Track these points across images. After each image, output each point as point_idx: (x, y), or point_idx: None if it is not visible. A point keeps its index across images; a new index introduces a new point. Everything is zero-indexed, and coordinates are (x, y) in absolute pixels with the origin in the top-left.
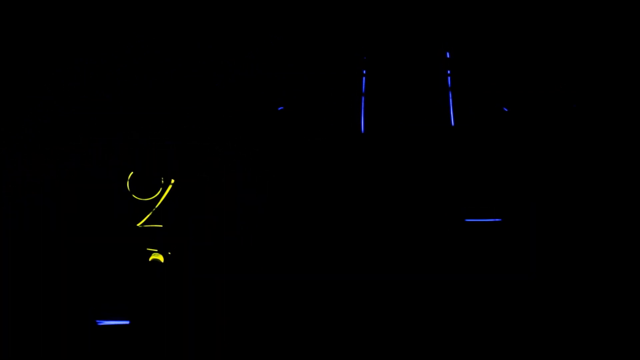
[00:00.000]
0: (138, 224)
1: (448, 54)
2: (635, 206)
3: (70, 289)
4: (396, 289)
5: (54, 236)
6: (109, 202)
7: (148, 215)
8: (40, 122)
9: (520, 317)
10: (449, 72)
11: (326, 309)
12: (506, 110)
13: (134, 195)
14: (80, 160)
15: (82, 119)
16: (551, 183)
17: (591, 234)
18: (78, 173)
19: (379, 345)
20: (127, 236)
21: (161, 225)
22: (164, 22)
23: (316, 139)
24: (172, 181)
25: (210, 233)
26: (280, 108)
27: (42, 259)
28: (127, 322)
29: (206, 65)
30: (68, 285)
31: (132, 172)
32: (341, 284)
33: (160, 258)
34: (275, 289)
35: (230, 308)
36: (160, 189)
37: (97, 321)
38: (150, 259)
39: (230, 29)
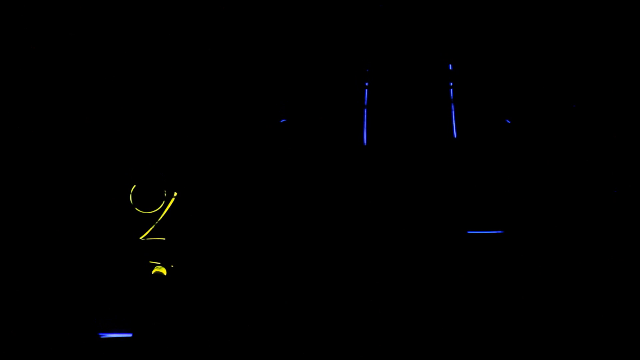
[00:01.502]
0: (140, 237)
1: (450, 66)
2: (636, 207)
3: (71, 289)
4: (396, 290)
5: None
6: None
7: (150, 229)
8: None
9: (521, 317)
10: (451, 84)
11: (326, 309)
12: (509, 122)
13: (136, 209)
14: None
15: None
16: (551, 183)
17: (592, 235)
18: None
19: (379, 345)
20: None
21: (164, 238)
22: (164, 22)
23: (316, 139)
24: (175, 194)
25: None
26: (282, 120)
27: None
28: (129, 335)
29: (206, 65)
30: (68, 285)
31: (134, 186)
32: (341, 284)
33: (163, 271)
34: (275, 289)
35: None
36: (163, 202)
37: (100, 334)
38: (153, 272)
39: (230, 29)
